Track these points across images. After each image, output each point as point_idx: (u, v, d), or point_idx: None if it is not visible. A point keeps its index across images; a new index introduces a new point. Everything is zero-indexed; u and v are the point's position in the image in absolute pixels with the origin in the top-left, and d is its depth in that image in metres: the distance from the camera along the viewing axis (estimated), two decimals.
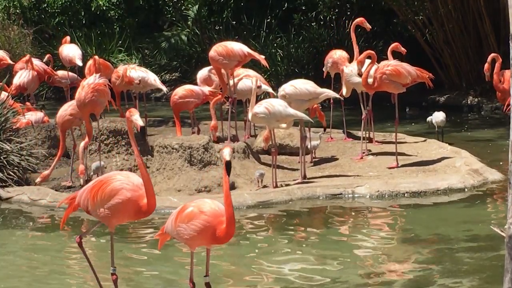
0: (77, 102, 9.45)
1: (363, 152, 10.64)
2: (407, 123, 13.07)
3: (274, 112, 9.12)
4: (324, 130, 11.32)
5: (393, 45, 10.95)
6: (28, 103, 11.87)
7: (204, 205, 5.35)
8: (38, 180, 9.70)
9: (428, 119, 12.17)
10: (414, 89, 11.67)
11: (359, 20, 11.16)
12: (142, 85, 11.67)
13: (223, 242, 5.41)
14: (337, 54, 11.64)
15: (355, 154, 10.71)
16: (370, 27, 11.12)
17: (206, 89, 11.17)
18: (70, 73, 13.28)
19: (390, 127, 12.13)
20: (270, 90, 11.15)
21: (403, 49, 10.79)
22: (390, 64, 10.05)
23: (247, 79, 10.81)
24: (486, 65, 10.83)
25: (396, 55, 10.97)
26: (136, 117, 5.64)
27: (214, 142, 10.11)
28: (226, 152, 5.18)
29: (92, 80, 9.55)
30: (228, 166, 5.16)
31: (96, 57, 12.16)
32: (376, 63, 10.17)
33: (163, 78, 18.26)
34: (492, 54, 11.01)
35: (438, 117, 11.84)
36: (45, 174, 9.73)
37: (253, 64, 13.16)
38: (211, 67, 11.31)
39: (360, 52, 10.67)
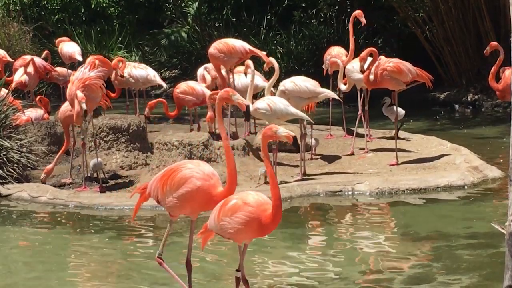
0: (68, 97, 9.29)
1: (366, 151, 10.67)
2: (406, 120, 13.05)
3: (275, 110, 9.13)
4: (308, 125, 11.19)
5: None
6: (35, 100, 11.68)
7: (247, 197, 5.23)
8: (42, 176, 9.68)
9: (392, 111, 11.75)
10: (414, 86, 11.66)
11: (357, 12, 11.02)
12: (142, 82, 11.67)
13: (270, 229, 5.23)
14: (335, 50, 11.75)
15: (355, 151, 10.72)
16: (365, 21, 10.95)
17: (208, 90, 11.09)
18: (69, 70, 13.27)
19: (390, 124, 12.12)
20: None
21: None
22: (392, 60, 10.07)
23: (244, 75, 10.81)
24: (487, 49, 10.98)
25: (397, 54, 10.96)
26: (238, 97, 5.42)
27: (210, 133, 10.14)
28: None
29: (80, 75, 9.19)
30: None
31: (96, 61, 12.11)
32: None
33: (163, 75, 18.26)
34: (494, 44, 11.03)
35: (400, 111, 11.46)
36: (48, 168, 9.71)
37: (253, 62, 13.15)
38: (206, 65, 11.34)
39: (361, 49, 10.66)
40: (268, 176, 5.28)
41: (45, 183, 9.63)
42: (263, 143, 5.34)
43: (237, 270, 5.42)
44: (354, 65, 10.62)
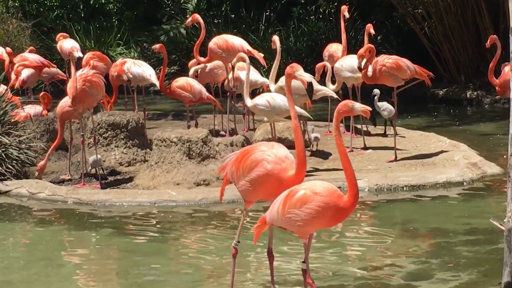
0: (69, 91, 9.29)
1: (363, 147, 10.68)
2: (405, 117, 13.07)
3: (274, 106, 9.13)
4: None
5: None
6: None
7: (315, 186, 5.03)
8: (36, 173, 9.68)
9: (383, 108, 11.56)
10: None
11: (343, 7, 11.72)
12: (138, 79, 11.67)
13: (348, 214, 5.08)
14: (333, 47, 11.92)
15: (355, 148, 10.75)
16: (348, 16, 11.68)
17: (206, 92, 11.03)
18: (54, 69, 13.16)
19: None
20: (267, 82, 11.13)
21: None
22: (391, 57, 10.07)
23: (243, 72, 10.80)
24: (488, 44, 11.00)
25: (396, 51, 10.98)
26: (300, 73, 5.25)
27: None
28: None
29: (84, 72, 9.38)
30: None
31: (92, 61, 12.13)
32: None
33: None
34: (494, 37, 11.03)
35: (391, 109, 11.32)
36: (41, 164, 9.69)
37: (251, 59, 13.15)
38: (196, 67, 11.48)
39: (360, 46, 10.67)
40: (340, 156, 5.06)
41: (41, 179, 9.62)
42: (337, 119, 5.06)
43: (303, 262, 5.24)
44: (342, 63, 10.69)
